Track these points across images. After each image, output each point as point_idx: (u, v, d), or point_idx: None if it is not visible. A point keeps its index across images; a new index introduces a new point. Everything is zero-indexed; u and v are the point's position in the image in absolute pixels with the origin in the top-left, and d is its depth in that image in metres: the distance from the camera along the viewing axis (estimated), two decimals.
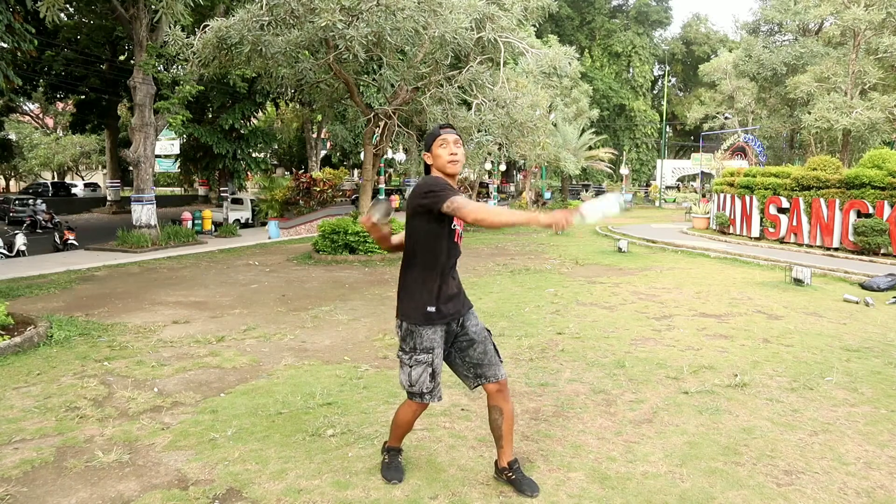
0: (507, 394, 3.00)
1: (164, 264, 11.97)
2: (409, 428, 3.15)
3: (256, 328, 6.59)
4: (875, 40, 20.78)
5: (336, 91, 13.24)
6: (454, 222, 2.83)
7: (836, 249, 13.52)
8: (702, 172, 34.45)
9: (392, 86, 12.85)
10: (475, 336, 2.95)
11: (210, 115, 25.60)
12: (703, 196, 27.07)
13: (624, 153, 43.85)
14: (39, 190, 34.52)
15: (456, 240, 2.91)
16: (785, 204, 15.03)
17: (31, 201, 24.75)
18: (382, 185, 19.56)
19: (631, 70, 48.55)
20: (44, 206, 22.84)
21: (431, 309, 2.82)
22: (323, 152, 36.45)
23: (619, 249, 13.75)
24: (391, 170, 35.53)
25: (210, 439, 3.70)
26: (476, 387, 3.00)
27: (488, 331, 3.04)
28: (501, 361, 3.03)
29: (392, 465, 3.22)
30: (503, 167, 34.16)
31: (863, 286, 9.44)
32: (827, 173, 14.14)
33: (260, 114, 32.43)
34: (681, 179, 47.39)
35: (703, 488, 3.13)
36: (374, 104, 16.48)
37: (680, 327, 6.68)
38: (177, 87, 14.63)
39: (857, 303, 8.15)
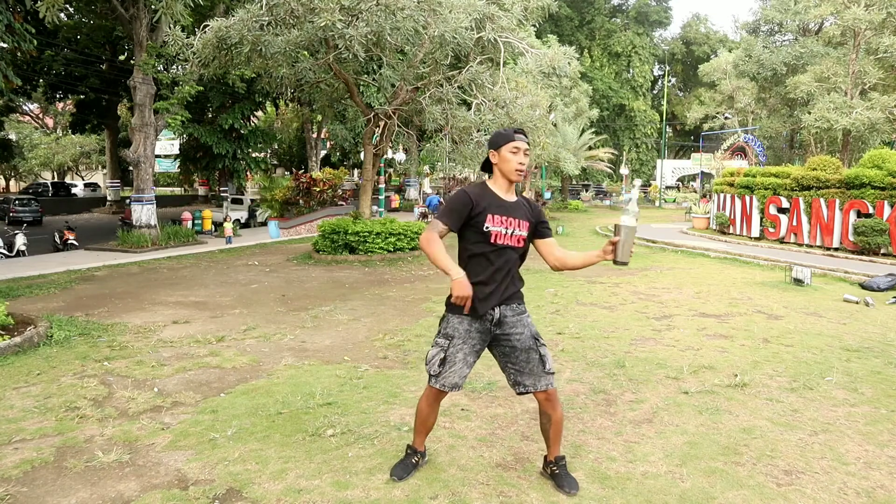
0: (555, 402, 3.05)
1: (164, 264, 11.97)
2: (425, 419, 3.16)
3: (256, 328, 6.59)
4: (875, 40, 20.78)
5: (336, 91, 13.24)
6: (486, 223, 2.91)
7: (836, 249, 13.52)
8: (702, 172, 34.46)
9: (392, 86, 12.85)
10: (517, 343, 2.97)
11: (210, 115, 25.60)
12: (704, 196, 27.07)
13: (624, 153, 43.85)
14: (39, 190, 34.54)
15: (494, 241, 2.92)
16: (785, 204, 15.03)
17: (30, 203, 24.76)
18: (382, 185, 19.55)
19: (631, 70, 48.54)
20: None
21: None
22: (323, 152, 36.46)
23: None
24: (391, 170, 35.55)
25: (210, 439, 3.69)
26: (520, 393, 3.05)
27: (536, 339, 3.01)
28: (548, 372, 2.99)
29: (401, 462, 3.25)
30: None
31: (863, 286, 9.44)
32: (827, 173, 14.14)
33: (260, 114, 32.44)
34: (681, 179, 47.38)
35: (703, 488, 3.13)
36: (374, 104, 16.48)
37: (680, 327, 6.67)
38: (176, 88, 14.63)
39: (857, 303, 8.14)
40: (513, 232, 2.94)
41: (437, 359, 2.98)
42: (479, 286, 2.93)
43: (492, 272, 2.94)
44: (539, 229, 3.06)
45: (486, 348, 3.07)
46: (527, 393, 3.02)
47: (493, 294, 2.94)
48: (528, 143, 2.98)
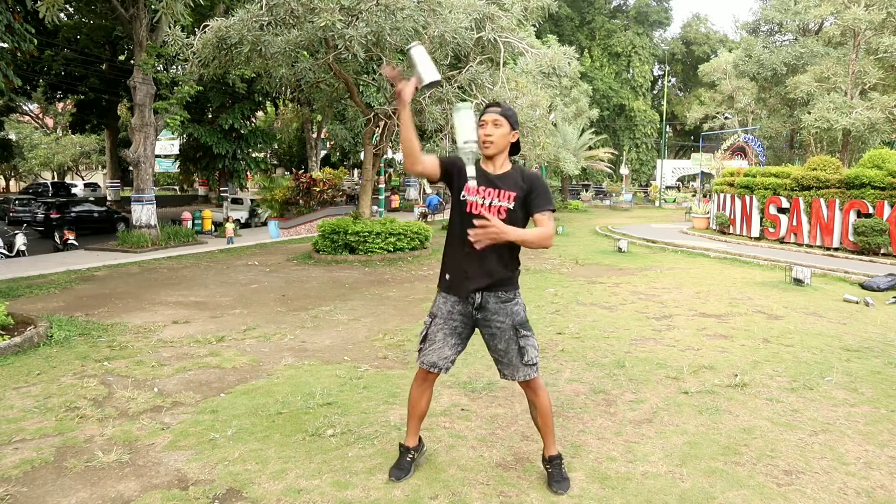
0: (537, 390, 3.03)
1: (164, 264, 11.97)
2: (414, 403, 3.14)
3: (256, 328, 6.59)
4: (875, 40, 20.78)
5: (336, 91, 13.24)
6: (463, 192, 2.85)
7: (836, 249, 13.52)
8: (702, 172, 34.46)
9: (392, 85, 12.84)
10: (497, 332, 2.95)
11: (210, 115, 25.62)
12: (704, 196, 27.06)
13: (624, 153, 43.87)
14: (39, 190, 34.54)
15: (469, 210, 2.81)
16: (785, 204, 15.04)
17: (30, 203, 24.74)
18: (382, 185, 19.56)
19: (631, 70, 48.55)
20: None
21: (446, 276, 2.99)
22: (323, 152, 36.45)
23: (619, 249, 13.75)
24: (391, 170, 35.55)
25: (210, 439, 3.69)
26: (502, 378, 3.07)
27: (517, 329, 2.92)
28: (527, 364, 2.93)
29: (396, 463, 3.24)
30: None
31: (863, 286, 9.44)
32: (827, 173, 14.14)
33: (260, 114, 32.44)
34: (681, 179, 47.38)
35: (703, 488, 3.13)
36: (374, 104, 16.48)
37: (680, 327, 6.67)
38: (176, 88, 14.63)
39: (857, 303, 8.14)
40: (491, 202, 2.82)
41: (421, 335, 3.08)
42: (457, 268, 2.91)
43: (464, 255, 2.85)
44: (529, 199, 2.84)
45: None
46: (506, 379, 3.04)
47: (471, 278, 2.88)
48: (503, 114, 2.87)
